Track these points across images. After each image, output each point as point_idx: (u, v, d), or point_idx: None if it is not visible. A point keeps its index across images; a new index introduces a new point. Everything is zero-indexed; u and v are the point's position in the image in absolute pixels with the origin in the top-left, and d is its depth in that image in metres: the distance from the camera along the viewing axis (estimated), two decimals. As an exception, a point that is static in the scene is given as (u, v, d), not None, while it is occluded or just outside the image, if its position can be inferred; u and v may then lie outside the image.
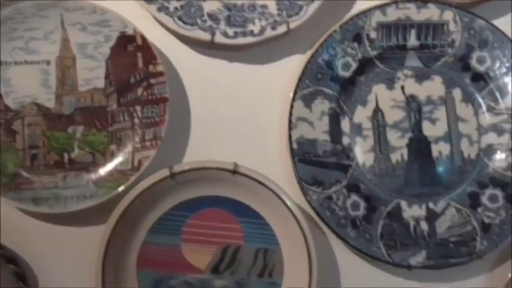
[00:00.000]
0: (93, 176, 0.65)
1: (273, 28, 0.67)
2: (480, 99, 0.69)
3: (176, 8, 0.66)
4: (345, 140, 0.67)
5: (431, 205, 0.67)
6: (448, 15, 0.68)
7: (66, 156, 0.65)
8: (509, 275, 0.64)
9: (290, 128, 0.65)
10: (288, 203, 0.62)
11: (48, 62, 0.67)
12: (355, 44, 0.67)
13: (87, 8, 0.66)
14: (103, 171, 0.65)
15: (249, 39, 0.66)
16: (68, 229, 0.65)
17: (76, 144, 0.66)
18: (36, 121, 0.66)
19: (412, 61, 0.69)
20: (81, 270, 0.63)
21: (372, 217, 0.65)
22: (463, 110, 0.69)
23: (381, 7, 0.68)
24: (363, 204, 0.66)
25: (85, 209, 0.63)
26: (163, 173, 0.62)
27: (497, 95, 0.68)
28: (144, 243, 0.64)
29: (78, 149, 0.66)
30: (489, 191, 0.67)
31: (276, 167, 0.66)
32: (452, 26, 0.68)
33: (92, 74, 0.67)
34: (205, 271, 0.64)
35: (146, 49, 0.66)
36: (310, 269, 0.61)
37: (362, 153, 0.67)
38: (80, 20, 0.66)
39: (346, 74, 0.68)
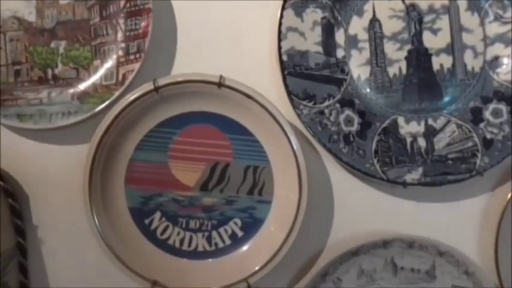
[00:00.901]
0: (77, 91, 0.60)
1: None
2: (487, 7, 0.61)
3: None
4: (339, 53, 0.61)
5: (430, 121, 0.61)
6: None
7: (50, 72, 0.61)
8: (510, 194, 0.58)
9: (280, 39, 0.59)
10: (278, 118, 0.57)
11: (27, -27, 0.60)
12: None
13: None
14: (87, 86, 0.60)
15: None
16: (53, 146, 0.61)
17: (59, 59, 0.61)
18: (18, 36, 0.61)
19: (413, -34, 0.61)
20: (69, 188, 0.60)
21: (366, 133, 0.60)
22: (468, 19, 0.61)
23: None
24: (356, 120, 0.60)
25: (70, 124, 0.58)
26: (147, 86, 0.57)
27: (506, 2, 0.60)
28: (131, 160, 0.60)
29: (62, 65, 0.61)
30: (493, 106, 0.60)
31: (266, 81, 0.60)
32: None
33: (72, -15, 0.60)
34: (193, 188, 0.60)
35: (128, -43, 0.59)
36: (300, 186, 0.56)
37: (357, 67, 0.61)
38: None
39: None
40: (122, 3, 0.60)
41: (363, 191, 0.61)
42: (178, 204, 0.60)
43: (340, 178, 0.61)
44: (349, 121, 0.60)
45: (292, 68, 0.59)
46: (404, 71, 0.61)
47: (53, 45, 0.61)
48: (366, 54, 0.61)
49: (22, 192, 0.61)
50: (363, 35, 0.61)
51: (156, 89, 0.57)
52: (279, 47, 0.58)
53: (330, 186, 0.61)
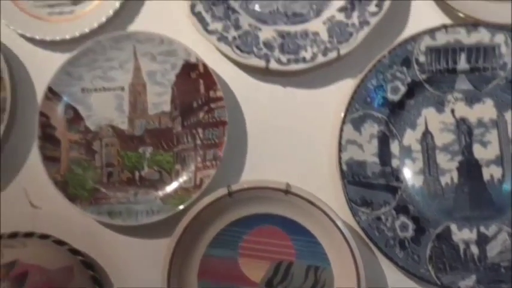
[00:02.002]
0: (160, 192, 0.65)
1: (324, 54, 0.63)
2: (534, 123, 0.62)
3: (234, 38, 0.64)
4: (394, 162, 0.63)
5: (482, 229, 0.61)
6: (500, 38, 0.62)
7: (137, 174, 0.66)
8: None
9: (340, 151, 0.62)
10: (338, 223, 0.59)
11: (122, 89, 0.67)
12: (404, 68, 0.63)
13: (156, 39, 0.66)
14: (169, 188, 0.65)
15: (301, 66, 0.63)
16: (137, 240, 0.65)
17: (146, 163, 0.66)
18: (112, 142, 0.67)
19: (463, 84, 0.63)
20: (149, 277, 0.63)
21: (420, 239, 0.61)
22: (516, 133, 0.62)
23: (430, 32, 0.62)
24: (411, 226, 0.61)
25: (153, 222, 0.62)
26: (222, 191, 0.61)
27: (553, 118, 0.61)
28: (205, 255, 0.63)
29: (148, 168, 0.66)
30: (543, 215, 0.60)
31: (327, 188, 0.63)
32: (503, 49, 0.62)
33: (159, 99, 0.66)
34: (259, 284, 0.62)
35: (207, 76, 0.65)
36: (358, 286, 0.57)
37: (411, 175, 0.63)
38: (150, 50, 0.66)
39: (395, 97, 0.63)
40: (201, 114, 0.65)
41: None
42: (245, 298, 0.62)
43: (396, 280, 0.62)
44: (404, 227, 0.61)
45: (351, 176, 0.61)
46: (456, 180, 0.62)
47: (140, 150, 0.66)
48: (419, 164, 0.63)
49: (108, 280, 0.65)
50: (416, 146, 0.63)
51: (230, 193, 0.60)
52: (339, 158, 0.61)
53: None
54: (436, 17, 0.65)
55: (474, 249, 0.60)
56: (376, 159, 0.62)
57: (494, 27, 0.62)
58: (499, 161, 0.62)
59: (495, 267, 0.59)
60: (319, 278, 0.61)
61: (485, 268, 0.59)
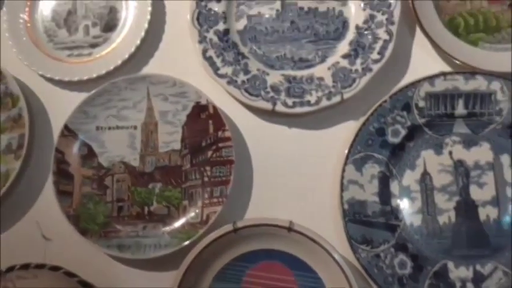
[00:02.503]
0: (168, 228, 0.70)
1: (328, 98, 0.70)
2: (530, 163, 0.68)
3: (243, 82, 0.71)
4: (394, 202, 0.68)
5: (478, 267, 0.66)
6: (496, 85, 0.68)
7: (146, 209, 0.72)
8: None
9: (342, 190, 0.67)
10: (339, 260, 0.64)
11: (135, 127, 0.74)
12: (405, 113, 0.69)
13: (169, 81, 0.73)
14: (176, 223, 0.70)
15: (306, 109, 0.70)
16: (145, 273, 0.70)
17: (155, 198, 0.72)
18: (123, 178, 0.73)
19: (460, 128, 0.70)
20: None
21: (418, 276, 0.66)
22: (512, 175, 0.68)
23: (430, 79, 0.69)
24: (409, 264, 0.66)
25: (160, 256, 0.68)
26: (228, 227, 0.66)
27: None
28: (210, 288, 0.68)
29: (157, 203, 0.72)
30: (540, 255, 0.65)
31: (329, 226, 0.69)
32: (499, 96, 0.68)
33: (170, 137, 0.73)
34: (262, 318, 0.67)
35: (216, 117, 0.72)
36: (357, 323, 0.62)
37: (410, 214, 0.68)
38: (162, 92, 0.73)
39: (396, 140, 0.69)
40: (209, 153, 0.72)
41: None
42: (249, 331, 0.67)
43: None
44: (402, 264, 0.66)
45: (352, 215, 0.67)
46: (453, 219, 0.68)
47: (150, 186, 0.72)
48: (418, 203, 0.68)
49: (117, 312, 0.70)
50: (415, 186, 0.69)
51: (235, 230, 0.66)
52: (341, 197, 0.67)
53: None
54: (435, 64, 0.72)
55: (470, 287, 0.65)
56: (377, 199, 0.68)
57: (490, 75, 0.68)
58: (495, 201, 0.67)
59: (491, 305, 0.64)
60: (320, 313, 0.66)
61: (482, 306, 0.64)
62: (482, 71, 0.69)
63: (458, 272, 0.66)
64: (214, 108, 0.72)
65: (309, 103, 0.70)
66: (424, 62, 0.73)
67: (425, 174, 0.69)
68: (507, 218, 0.67)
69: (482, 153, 0.69)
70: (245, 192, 0.72)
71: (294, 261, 0.67)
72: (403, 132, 0.69)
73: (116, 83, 0.73)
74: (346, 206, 0.67)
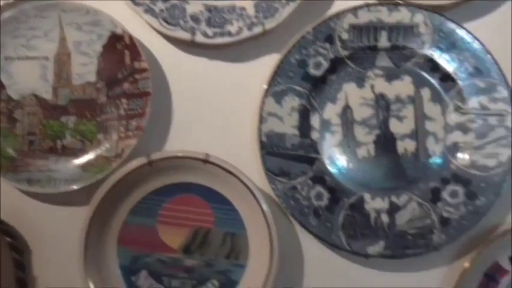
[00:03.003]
0: (80, 161, 0.70)
1: (250, 29, 0.70)
2: (448, 99, 0.70)
3: (161, 10, 0.71)
4: (314, 135, 0.70)
5: (393, 198, 0.69)
6: (419, 17, 0.70)
7: (59, 142, 0.71)
8: (466, 264, 0.66)
9: (260, 122, 0.69)
10: (254, 191, 0.66)
11: (46, 58, 0.72)
12: (327, 45, 0.70)
13: (82, 9, 0.71)
14: (89, 157, 0.71)
15: (226, 39, 0.70)
16: (57, 208, 0.71)
17: (68, 132, 0.72)
18: (35, 111, 0.72)
19: (383, 61, 0.71)
20: (68, 244, 0.69)
21: (334, 207, 0.68)
22: (431, 109, 0.70)
23: (353, 10, 0.70)
24: (326, 195, 0.69)
25: (73, 190, 0.68)
26: (142, 160, 0.67)
27: (464, 95, 0.70)
28: (125, 223, 0.69)
29: (70, 137, 0.71)
30: (450, 187, 0.68)
31: (248, 159, 0.70)
32: (422, 28, 0.70)
33: (84, 69, 0.72)
34: (177, 251, 0.69)
35: (133, 48, 0.71)
36: (271, 253, 0.65)
37: (329, 147, 0.70)
38: (75, 20, 0.72)
39: (318, 72, 0.71)
40: (126, 85, 0.71)
41: (330, 259, 0.69)
42: (163, 264, 0.69)
43: (311, 247, 0.69)
44: (319, 196, 0.69)
45: (270, 148, 0.69)
46: (372, 153, 0.70)
47: (63, 119, 0.72)
48: (338, 136, 0.70)
49: (27, 247, 0.71)
50: (336, 120, 0.71)
51: (149, 163, 0.67)
52: (259, 130, 0.69)
53: (301, 253, 0.70)
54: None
55: (384, 218, 0.68)
56: (296, 132, 0.70)
57: (414, 7, 0.70)
58: (414, 135, 0.70)
59: (403, 234, 0.67)
60: (235, 244, 0.68)
61: (394, 235, 0.67)
62: (406, 3, 0.70)
63: (374, 204, 0.69)
64: (131, 38, 0.71)
65: (229, 34, 0.70)
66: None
67: (346, 108, 0.71)
68: (423, 151, 0.70)
69: (403, 86, 0.71)
70: (163, 125, 0.72)
71: (211, 193, 0.68)
72: (325, 64, 0.71)
73: (24, 10, 0.71)
74: (264, 139, 0.69)
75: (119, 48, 0.72)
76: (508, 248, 0.67)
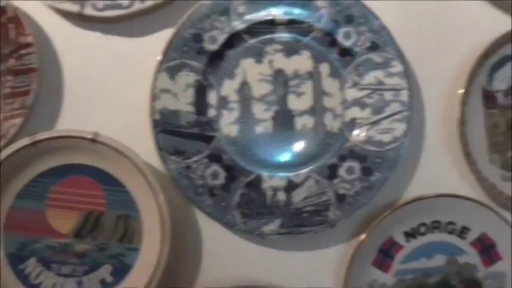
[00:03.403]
0: (-39, 142, 0.68)
1: (142, 1, 0.69)
2: (346, 74, 0.71)
3: (47, -19, 0.68)
4: (211, 112, 0.70)
5: (292, 176, 0.70)
6: (316, -10, 0.70)
7: None
8: (363, 236, 0.68)
9: (153, 99, 0.68)
10: (145, 170, 0.65)
11: None
12: (223, 18, 0.70)
13: (-40, -21, 0.68)
14: (-29, 138, 0.68)
15: (117, 12, 0.69)
16: None
17: (-50, 113, 0.69)
18: None
19: (282, 36, 0.71)
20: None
21: (230, 186, 0.69)
22: (330, 84, 0.71)
23: (249, -18, 0.70)
24: (222, 174, 0.69)
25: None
26: (25, 141, 0.65)
27: (362, 70, 0.71)
28: (12, 208, 0.67)
29: (-49, 118, 0.69)
30: (347, 164, 0.70)
31: (142, 137, 0.69)
32: (319, 2, 0.70)
33: (-35, 44, 0.69)
34: (68, 235, 0.67)
35: (17, 21, 0.68)
36: (162, 235, 0.64)
37: (227, 125, 0.70)
38: (-46, -8, 0.68)
39: (213, 47, 0.70)
40: (11, 61, 0.69)
41: (228, 239, 0.70)
42: (53, 250, 0.67)
43: (207, 226, 0.70)
44: (215, 175, 0.69)
45: (163, 125, 0.68)
46: (270, 130, 0.71)
47: None
48: (236, 113, 0.70)
49: None
50: (234, 96, 0.71)
51: (34, 143, 0.65)
52: (152, 107, 0.68)
53: (199, 233, 0.70)
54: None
55: (281, 196, 0.69)
56: (192, 109, 0.69)
57: (309, -20, 0.70)
58: (312, 111, 0.71)
59: (298, 212, 0.68)
60: (128, 227, 0.67)
61: (290, 213, 0.68)
62: (304, -25, 0.70)
63: (272, 182, 0.70)
64: (15, 11, 0.68)
65: (120, 6, 0.69)
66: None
67: (244, 84, 0.71)
68: (321, 127, 0.71)
69: (302, 61, 0.71)
70: (53, 104, 0.70)
71: (102, 175, 0.67)
72: (221, 39, 0.70)
73: None
74: (157, 116, 0.68)
75: (3, 22, 0.69)
76: (403, 222, 0.70)
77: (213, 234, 0.70)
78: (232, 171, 0.69)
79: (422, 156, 0.73)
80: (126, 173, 0.67)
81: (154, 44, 0.71)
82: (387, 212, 0.68)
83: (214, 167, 0.69)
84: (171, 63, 0.69)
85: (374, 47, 0.70)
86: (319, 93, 0.71)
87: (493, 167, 0.72)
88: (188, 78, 0.69)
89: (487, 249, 0.71)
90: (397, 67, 0.70)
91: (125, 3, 0.69)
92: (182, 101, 0.69)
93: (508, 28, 0.72)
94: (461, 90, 0.70)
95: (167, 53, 0.69)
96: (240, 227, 0.68)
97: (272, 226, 0.68)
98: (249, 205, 0.68)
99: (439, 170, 0.73)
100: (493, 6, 0.74)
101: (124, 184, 0.68)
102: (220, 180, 0.69)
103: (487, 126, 0.73)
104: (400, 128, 0.69)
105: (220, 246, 0.70)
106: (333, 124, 0.71)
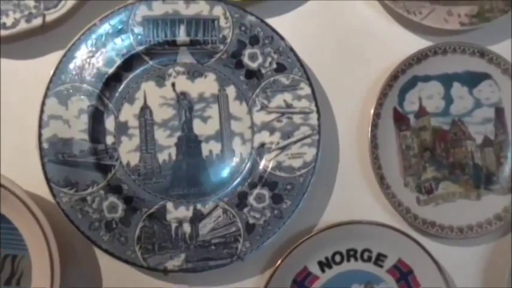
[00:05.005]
0: None
1: (28, 21, 0.69)
2: (254, 97, 0.74)
3: None
4: (109, 139, 0.70)
5: (199, 206, 0.71)
6: (218, 10, 0.73)
7: None
8: (275, 268, 0.69)
9: (40, 127, 0.67)
10: (31, 206, 0.64)
11: None
12: (119, 39, 0.71)
13: None
14: None
15: (1, 32, 0.68)
16: None
17: None
18: None
19: (185, 57, 0.73)
20: None
21: (130, 219, 0.69)
22: (237, 108, 0.73)
23: (146, 1, 0.71)
24: (121, 206, 0.69)
25: None
26: None
27: (269, 92, 0.73)
28: None
29: None
30: (257, 191, 0.71)
31: (33, 168, 0.68)
32: (223, 22, 0.73)
33: None
34: None
35: None
36: (52, 275, 0.63)
37: (127, 153, 0.70)
38: None
39: (110, 70, 0.71)
40: None
41: (130, 277, 0.69)
42: None
43: (107, 263, 0.69)
44: (113, 207, 0.68)
45: (54, 155, 0.67)
46: (174, 157, 0.71)
47: None
48: (136, 140, 0.71)
49: None
50: (134, 122, 0.71)
51: None
52: (40, 135, 0.67)
53: (98, 271, 0.69)
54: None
55: (186, 228, 0.70)
56: (86, 136, 0.69)
57: (213, 0, 0.73)
58: (219, 136, 0.73)
59: (205, 245, 0.69)
60: (16, 267, 0.66)
61: (196, 246, 0.69)
62: (206, -5, 0.73)
63: (177, 213, 0.70)
64: None
65: (4, 26, 0.69)
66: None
67: (145, 108, 0.72)
68: (230, 153, 0.73)
69: (207, 84, 0.73)
70: None
71: (-14, 212, 0.66)
72: (118, 61, 0.71)
73: None
74: (45, 145, 0.67)
75: None
76: (317, 251, 0.72)
77: (113, 272, 0.69)
78: (132, 203, 0.69)
79: (336, 181, 0.76)
80: (12, 208, 0.65)
81: (45, 67, 0.70)
82: (300, 241, 0.70)
83: (112, 199, 0.69)
84: (60, 87, 0.69)
85: (281, 69, 0.73)
86: (226, 117, 0.73)
87: (408, 191, 0.76)
88: (81, 103, 0.69)
89: (404, 276, 0.74)
90: (305, 89, 0.73)
91: (9, 22, 0.69)
92: (75, 128, 0.69)
93: (417, 48, 0.77)
94: (372, 112, 0.74)
95: (56, 76, 0.68)
96: (141, 263, 0.67)
97: (176, 261, 0.68)
98: (151, 239, 0.68)
99: (354, 196, 0.76)
100: (403, 27, 0.80)
101: (11, 220, 0.66)
102: (119, 213, 0.69)
103: (400, 149, 0.77)
104: (310, 152, 0.72)
105: (122, 284, 0.69)
106: (241, 149, 0.73)
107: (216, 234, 0.70)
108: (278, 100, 0.73)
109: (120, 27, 0.71)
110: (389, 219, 0.75)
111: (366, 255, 0.73)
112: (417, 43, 0.79)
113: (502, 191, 0.78)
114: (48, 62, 0.71)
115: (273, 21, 0.74)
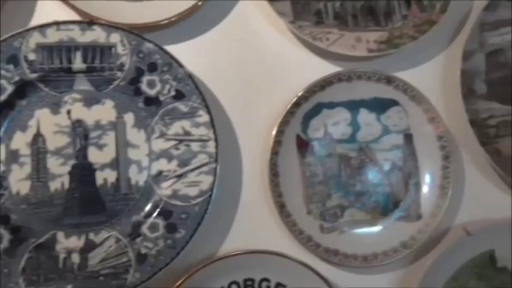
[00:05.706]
0: None
1: None
2: (153, 124, 0.75)
3: None
4: (-1, 168, 0.71)
5: (91, 236, 0.72)
6: (115, 37, 0.74)
7: None
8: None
9: None
10: None
11: None
12: (11, 66, 0.72)
13: None
14: None
15: None
16: None
17: None
18: None
19: (82, 84, 0.75)
20: None
21: (16, 250, 0.69)
22: (135, 135, 0.75)
23: (40, 28, 0.73)
24: (7, 237, 0.69)
25: None
26: None
27: (168, 120, 0.75)
28: None
29: None
30: (151, 220, 0.73)
31: None
32: (120, 49, 0.74)
33: None
34: None
35: None
36: None
37: (17, 182, 0.71)
38: None
39: (1, 97, 0.72)
40: None
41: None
42: None
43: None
44: (-2, 238, 0.69)
45: None
46: (67, 185, 0.72)
47: None
48: (28, 169, 0.72)
49: None
50: (26, 150, 0.72)
51: None
52: None
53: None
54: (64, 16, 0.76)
55: (75, 258, 0.70)
56: (-30, 165, 0.70)
57: (109, 27, 0.74)
58: (115, 164, 0.74)
59: (94, 275, 0.70)
60: None
61: (84, 277, 0.70)
62: (101, 22, 0.74)
63: (68, 243, 0.71)
64: None
65: None
66: (50, 12, 0.77)
67: (38, 136, 0.73)
68: (125, 181, 0.74)
69: (104, 111, 0.75)
70: None
71: None
72: (10, 88, 0.72)
73: None
74: None
75: None
76: (213, 281, 0.73)
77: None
78: (20, 234, 0.70)
79: (238, 210, 0.78)
80: None
81: None
82: (193, 271, 0.71)
83: (-2, 230, 0.70)
84: None
85: (179, 96, 0.75)
86: (122, 144, 0.75)
87: (311, 218, 0.78)
88: (-35, 131, 0.71)
89: (304, 306, 0.75)
90: (204, 117, 0.75)
91: None
92: (-41, 157, 0.70)
93: (325, 74, 0.79)
94: (272, 140, 0.76)
95: None
96: (26, 296, 0.68)
97: (63, 293, 0.69)
98: (37, 270, 0.69)
99: (256, 224, 0.77)
100: (313, 53, 0.82)
101: None
102: (4, 244, 0.69)
103: (303, 176, 0.79)
104: (207, 181, 0.74)
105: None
106: (138, 177, 0.74)
107: (106, 265, 0.71)
108: (176, 127, 0.75)
109: (12, 53, 0.72)
110: (292, 247, 0.77)
111: (264, 284, 0.75)
112: (325, 69, 0.81)
113: (409, 219, 0.80)
114: None
115: (175, 48, 0.76)
